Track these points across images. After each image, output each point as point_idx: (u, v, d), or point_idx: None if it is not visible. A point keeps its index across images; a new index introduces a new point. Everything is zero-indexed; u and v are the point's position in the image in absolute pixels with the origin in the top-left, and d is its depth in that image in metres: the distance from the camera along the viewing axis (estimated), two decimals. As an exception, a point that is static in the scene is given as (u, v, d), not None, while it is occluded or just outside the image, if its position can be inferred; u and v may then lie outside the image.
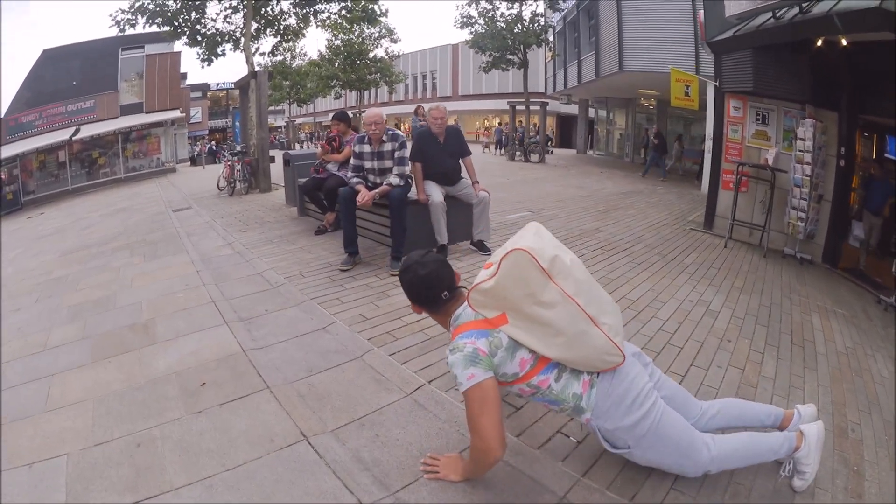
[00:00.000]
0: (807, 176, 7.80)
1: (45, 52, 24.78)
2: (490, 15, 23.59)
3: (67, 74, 23.96)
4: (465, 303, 2.38)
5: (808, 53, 7.68)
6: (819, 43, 7.35)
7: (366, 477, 2.42)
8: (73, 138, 22.90)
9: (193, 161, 32.26)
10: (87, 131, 23.51)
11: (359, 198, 5.52)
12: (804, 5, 6.82)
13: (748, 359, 4.08)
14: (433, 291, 2.44)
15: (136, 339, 4.10)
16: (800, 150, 7.88)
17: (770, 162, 8.21)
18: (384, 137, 5.76)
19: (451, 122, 6.58)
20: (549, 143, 30.05)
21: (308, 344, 3.80)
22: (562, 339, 2.18)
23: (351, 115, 8.31)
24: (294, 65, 38.65)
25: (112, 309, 4.91)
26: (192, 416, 2.92)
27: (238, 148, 14.20)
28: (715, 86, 9.38)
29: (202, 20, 15.00)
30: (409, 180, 5.90)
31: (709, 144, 13.67)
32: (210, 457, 2.57)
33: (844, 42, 7.07)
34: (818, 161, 7.86)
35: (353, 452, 2.59)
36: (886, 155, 9.39)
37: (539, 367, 2.25)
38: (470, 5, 24.08)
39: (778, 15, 7.40)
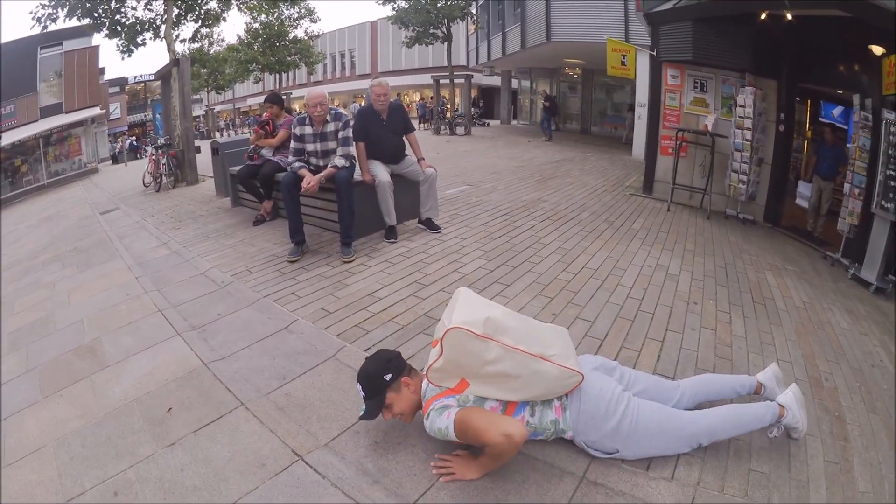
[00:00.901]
0: (747, 140, 8.05)
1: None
2: (413, -11, 23.25)
3: None
4: (426, 380, 2.50)
5: (751, 25, 7.84)
6: (763, 17, 7.49)
7: (378, 490, 2.28)
8: None
9: (115, 159, 30.89)
10: (8, 139, 22.01)
11: (304, 183, 5.24)
12: None
13: (717, 319, 4.23)
14: (393, 353, 2.62)
15: (83, 364, 3.70)
16: (740, 117, 8.12)
17: (709, 128, 8.39)
18: (327, 118, 5.50)
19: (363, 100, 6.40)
20: (477, 115, 29.95)
21: (273, 347, 3.56)
22: (519, 382, 2.35)
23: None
24: (212, 51, 37.38)
25: (53, 332, 4.46)
26: (166, 450, 2.62)
27: (161, 140, 13.50)
28: (651, 55, 9.43)
29: (122, 9, 14.30)
30: (354, 161, 5.68)
31: (639, 111, 13.94)
32: (199, 496, 2.31)
33: (789, 16, 7.20)
34: (758, 126, 8.14)
35: (356, 465, 2.43)
36: (821, 119, 9.82)
37: (510, 409, 2.40)
38: (393, -19, 23.68)
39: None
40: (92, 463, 2.60)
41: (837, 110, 9.73)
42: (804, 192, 8.41)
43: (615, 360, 3.01)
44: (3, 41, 24.78)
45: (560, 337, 2.60)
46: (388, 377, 2.50)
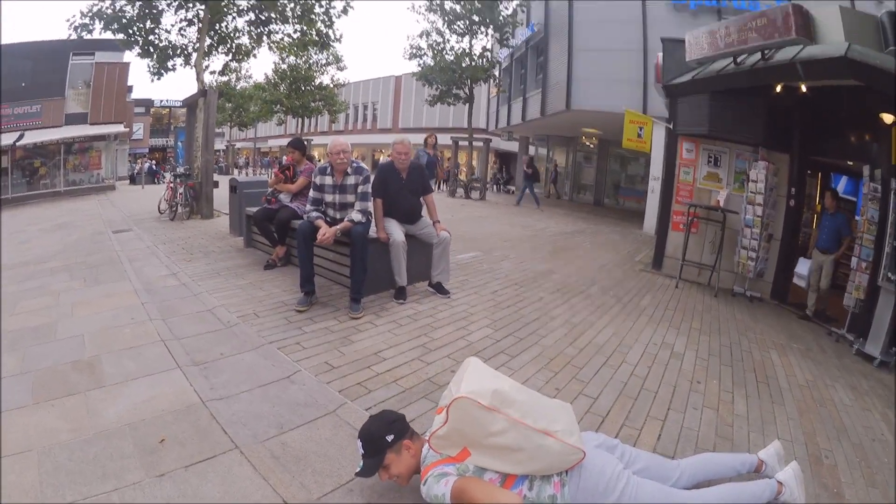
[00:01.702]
0: (758, 216, 8.12)
1: (-1, 47, 23.51)
2: (440, 48, 23.72)
3: (18, 75, 22.52)
4: (427, 446, 2.51)
5: (765, 98, 7.96)
6: (778, 89, 7.61)
7: None
8: (17, 143, 21.69)
9: (133, 180, 31.29)
10: (31, 138, 22.28)
11: (319, 234, 5.26)
12: (766, 53, 7.06)
13: (720, 399, 4.27)
14: (397, 415, 2.65)
15: (81, 379, 3.69)
16: (752, 192, 8.20)
17: (722, 203, 8.46)
18: (348, 170, 5.56)
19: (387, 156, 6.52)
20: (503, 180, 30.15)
21: (274, 395, 3.53)
22: (522, 455, 2.35)
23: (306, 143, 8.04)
24: (238, 87, 38.04)
25: (53, 340, 4.47)
26: (154, 480, 2.59)
27: (180, 169, 13.67)
28: (668, 128, 9.59)
29: (157, 30, 14.58)
30: (370, 217, 5.69)
31: (653, 185, 14.10)
32: None
33: (804, 88, 7.37)
34: (769, 202, 8.19)
35: (348, 524, 2.38)
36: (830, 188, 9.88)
37: (509, 482, 2.38)
38: (420, 37, 24.24)
39: (739, 60, 7.64)
40: (76, 477, 2.58)
41: (842, 183, 9.84)
42: (801, 272, 8.18)
43: (616, 437, 3.03)
44: (35, 40, 25.04)
45: (565, 413, 2.61)
46: (389, 438, 2.51)
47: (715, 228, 8.76)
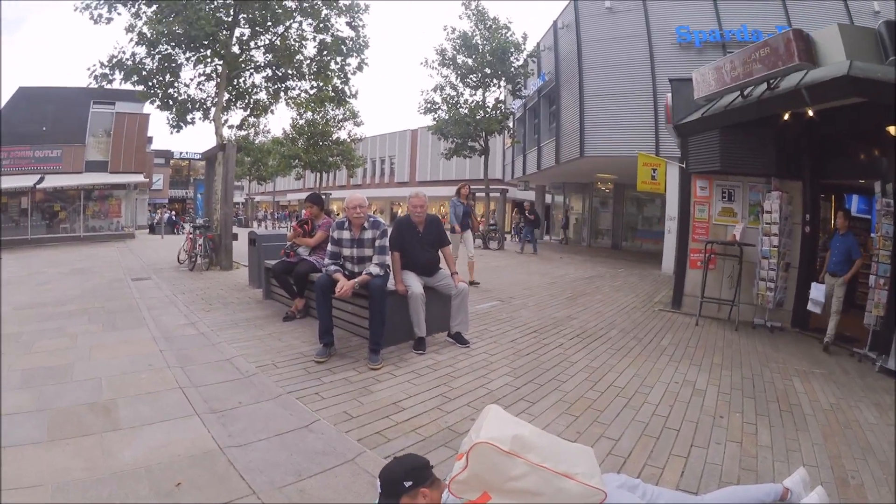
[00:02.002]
0: (774, 247, 8.12)
1: (20, 89, 24.22)
2: (454, 101, 24.10)
3: (39, 118, 23.39)
4: (448, 491, 2.46)
5: (773, 127, 8.02)
6: (786, 117, 7.66)
7: None
8: (37, 186, 22.23)
9: (152, 229, 31.77)
10: (51, 182, 22.86)
11: (337, 287, 5.32)
12: (772, 82, 7.13)
13: (743, 431, 4.24)
14: (421, 462, 2.58)
15: (96, 420, 3.72)
16: (766, 223, 8.22)
17: (738, 237, 8.44)
18: (365, 224, 5.65)
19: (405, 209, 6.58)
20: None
21: (291, 443, 3.52)
22: (542, 498, 2.32)
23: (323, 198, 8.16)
24: (257, 141, 38.74)
25: (69, 381, 4.52)
26: (170, 525, 2.58)
27: (200, 221, 13.89)
28: (681, 167, 9.63)
29: (176, 83, 14.88)
30: (388, 270, 5.76)
31: (669, 224, 14.09)
32: None
33: (811, 113, 7.40)
34: (785, 231, 8.18)
35: (364, 575, 2.34)
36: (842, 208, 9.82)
37: None
38: (434, 91, 24.66)
39: (746, 93, 7.71)
40: None
41: (854, 202, 9.76)
42: (817, 297, 7.74)
43: (638, 477, 2.99)
44: (58, 86, 25.61)
45: (586, 456, 2.58)
46: (407, 484, 2.47)
47: (732, 263, 8.72)
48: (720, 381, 5.46)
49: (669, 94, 10.31)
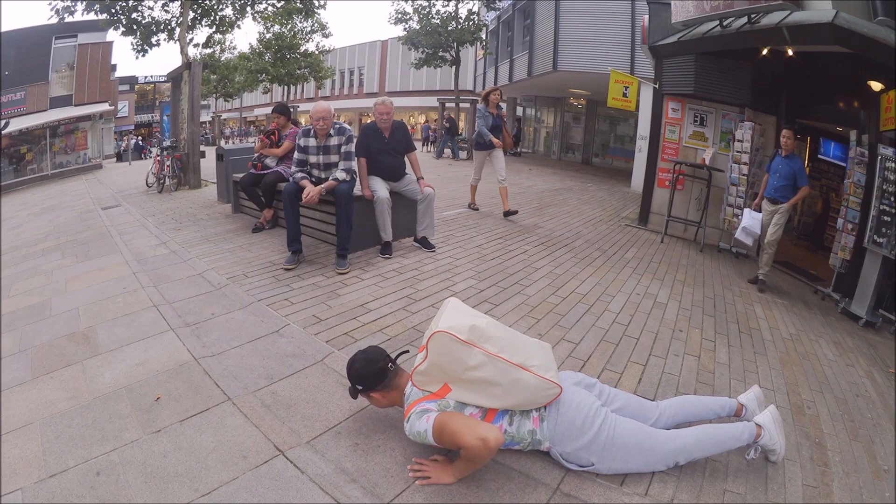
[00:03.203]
0: (743, 175, 8.17)
1: (-21, 39, 23.01)
2: (426, 12, 23.41)
3: (2, 64, 22.33)
4: (411, 383, 2.58)
5: (751, 61, 7.98)
6: (765, 52, 7.62)
7: (355, 489, 2.34)
8: (3, 132, 21.34)
9: (120, 157, 30.93)
10: (17, 125, 21.97)
11: (304, 194, 5.34)
12: (753, 16, 7.03)
13: (702, 347, 4.35)
14: (379, 364, 2.65)
15: (76, 350, 3.79)
16: (737, 151, 8.24)
17: (707, 161, 8.51)
18: (331, 131, 5.62)
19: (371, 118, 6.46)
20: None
21: (263, 349, 3.64)
22: (499, 389, 2.42)
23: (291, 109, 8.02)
24: (223, 58, 37.51)
25: (48, 317, 4.55)
26: (151, 437, 2.70)
27: (167, 142, 13.58)
28: (654, 87, 9.60)
29: (139, 7, 14.34)
30: (355, 175, 5.78)
31: (640, 143, 14.11)
32: (180, 482, 2.37)
33: (790, 52, 7.36)
34: (755, 161, 8.23)
35: (335, 464, 2.49)
36: (820, 156, 9.98)
37: (490, 416, 2.48)
38: (406, 1, 23.87)
39: (725, 24, 7.61)
40: (77, 443, 2.67)
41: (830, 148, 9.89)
42: (751, 226, 7.15)
43: (597, 378, 3.05)
44: (18, 27, 24.67)
45: (543, 350, 2.69)
46: (359, 387, 2.64)
47: (701, 186, 8.85)
48: (682, 297, 5.57)
49: (647, 16, 10.15)
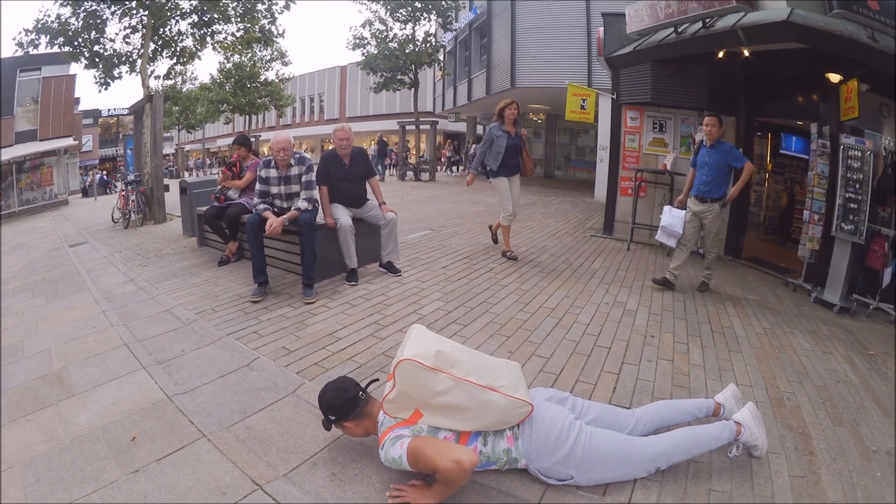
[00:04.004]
0: None
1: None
2: (383, 36, 23.50)
3: None
4: (382, 411, 2.62)
5: (708, 64, 8.16)
6: (721, 55, 7.78)
7: None
8: None
9: (85, 192, 30.49)
10: None
11: (267, 225, 5.35)
12: (707, 21, 7.22)
13: (674, 350, 4.42)
14: (349, 393, 2.70)
15: (51, 392, 3.76)
16: None
17: (668, 166, 8.68)
18: (291, 161, 5.67)
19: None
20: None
21: (235, 383, 3.65)
22: (469, 412, 2.48)
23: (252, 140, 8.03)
24: (184, 89, 37.35)
25: (21, 358, 4.50)
26: (130, 477, 2.69)
27: (131, 177, 13.50)
28: (612, 98, 9.79)
29: (101, 39, 14.33)
30: (317, 204, 5.82)
31: (601, 154, 14.34)
32: None
33: (746, 53, 7.54)
34: None
35: (313, 495, 2.51)
36: (782, 151, 10.25)
37: (463, 439, 2.52)
38: (363, 27, 23.94)
39: (680, 30, 7.81)
40: (58, 485, 2.67)
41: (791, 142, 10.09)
42: (671, 226, 6.47)
43: (569, 392, 3.11)
44: None
45: (511, 370, 2.73)
46: (331, 417, 2.69)
47: (664, 191, 9.02)
48: (651, 303, 5.66)
49: (602, 28, 10.37)
